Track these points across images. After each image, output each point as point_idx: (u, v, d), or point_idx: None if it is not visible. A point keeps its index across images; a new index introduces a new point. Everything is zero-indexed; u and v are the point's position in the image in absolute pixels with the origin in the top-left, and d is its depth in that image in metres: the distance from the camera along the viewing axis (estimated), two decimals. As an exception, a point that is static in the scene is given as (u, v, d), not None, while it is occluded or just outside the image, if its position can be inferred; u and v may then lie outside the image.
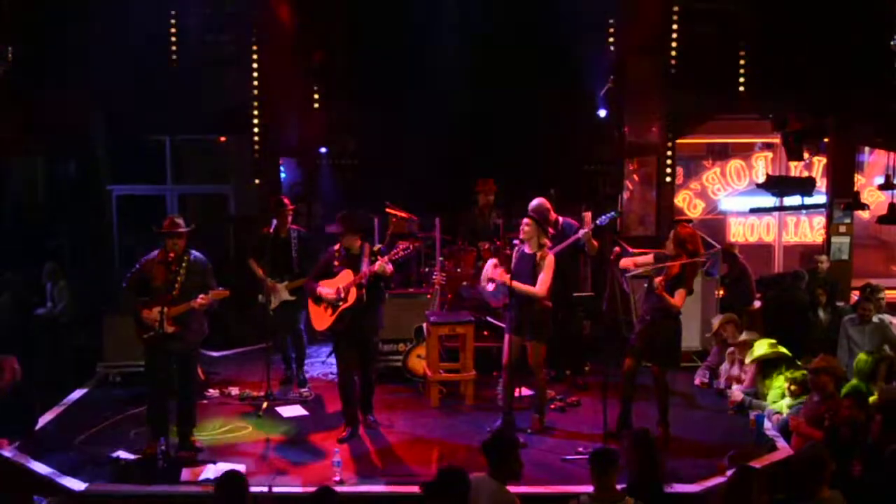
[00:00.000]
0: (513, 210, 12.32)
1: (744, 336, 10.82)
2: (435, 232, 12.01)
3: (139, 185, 14.39)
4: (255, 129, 13.42)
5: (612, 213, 9.88)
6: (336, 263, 9.28)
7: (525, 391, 10.03)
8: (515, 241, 9.64)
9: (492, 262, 9.76)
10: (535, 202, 10.63)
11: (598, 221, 10.13)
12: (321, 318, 9.34)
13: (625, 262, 9.35)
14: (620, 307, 9.18)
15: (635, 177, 15.07)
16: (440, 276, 11.65)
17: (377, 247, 9.42)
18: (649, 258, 9.25)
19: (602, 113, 13.77)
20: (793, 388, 9.49)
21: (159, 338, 8.74)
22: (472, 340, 10.52)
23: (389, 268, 9.09)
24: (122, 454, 8.89)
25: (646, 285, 9.20)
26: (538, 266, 9.27)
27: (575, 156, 14.41)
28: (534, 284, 9.22)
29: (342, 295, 9.14)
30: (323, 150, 14.28)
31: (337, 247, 9.34)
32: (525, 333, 9.36)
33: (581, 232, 10.38)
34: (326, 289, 9.23)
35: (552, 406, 10.26)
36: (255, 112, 13.57)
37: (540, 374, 9.55)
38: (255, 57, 13.04)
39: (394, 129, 13.49)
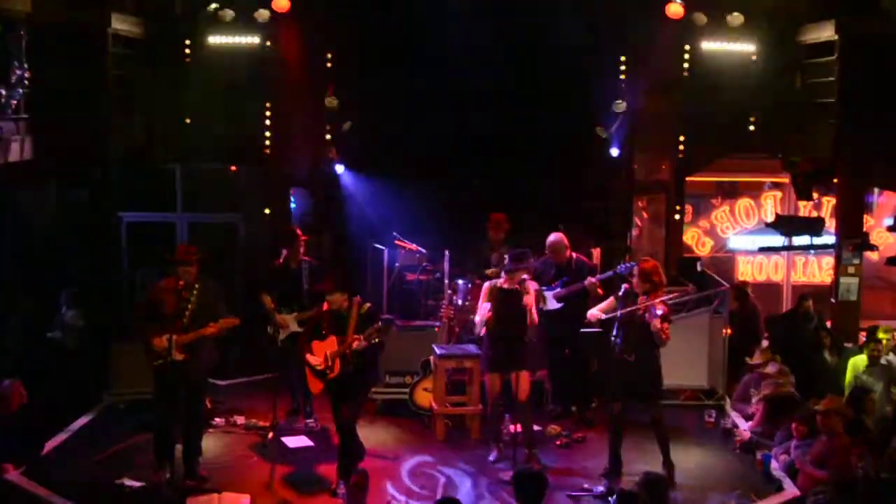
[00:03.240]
0: (521, 244, 12.38)
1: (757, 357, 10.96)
2: (443, 265, 12.05)
3: (149, 212, 14.49)
4: (267, 159, 13.51)
5: (633, 263, 9.93)
6: (325, 325, 9.03)
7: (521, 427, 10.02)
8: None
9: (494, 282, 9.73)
10: (552, 238, 10.75)
11: (617, 269, 10.20)
12: (314, 382, 9.16)
13: (592, 315, 9.37)
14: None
15: (644, 214, 15.12)
16: (448, 309, 11.68)
17: (366, 306, 9.06)
18: (610, 303, 9.31)
19: (615, 152, 13.85)
20: (800, 428, 9.50)
21: (168, 366, 8.78)
22: (479, 374, 10.51)
23: (365, 344, 8.73)
24: (128, 482, 8.94)
25: (616, 324, 9.15)
26: (521, 297, 9.41)
27: (585, 192, 14.46)
28: (527, 318, 9.36)
29: (329, 363, 8.92)
30: (340, 168, 14.26)
31: (326, 306, 9.06)
32: (513, 366, 9.44)
33: (587, 282, 10.46)
34: (315, 358, 8.98)
35: (558, 442, 10.30)
36: (267, 142, 13.66)
37: (528, 406, 9.62)
38: (267, 87, 13.14)
39: (405, 162, 13.55)
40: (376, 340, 8.71)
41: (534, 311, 9.40)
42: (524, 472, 6.70)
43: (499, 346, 9.47)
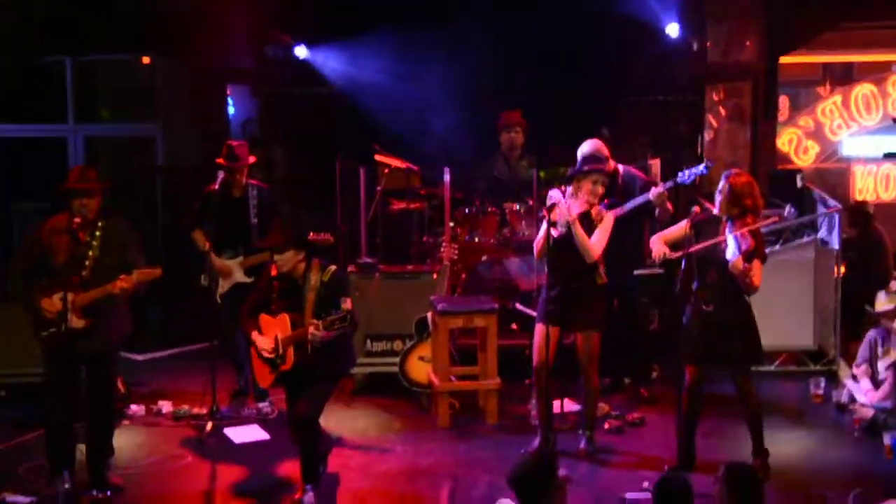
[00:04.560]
0: (548, 156, 12.41)
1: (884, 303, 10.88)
2: (443, 188, 12.06)
3: (28, 124, 14.46)
4: (191, 46, 13.45)
5: (703, 167, 9.90)
6: (274, 297, 8.96)
7: (569, 404, 10.13)
8: (553, 198, 9.69)
9: (556, 196, 9.65)
10: (586, 147, 10.71)
11: (678, 178, 10.17)
12: (262, 371, 9.12)
13: (656, 249, 9.29)
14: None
15: (721, 110, 15.09)
16: (450, 248, 11.69)
17: (330, 270, 8.90)
18: (681, 229, 9.27)
19: (674, 29, 13.79)
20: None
21: (63, 336, 8.72)
22: (496, 336, 10.60)
23: (325, 334, 8.52)
24: (10, 497, 8.93)
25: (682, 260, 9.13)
26: (594, 227, 9.45)
27: (635, 82, 14.45)
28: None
29: (280, 352, 8.82)
30: (303, 51, 14.22)
31: (274, 270, 8.93)
32: (572, 320, 9.50)
33: (653, 192, 10.41)
34: (262, 339, 8.90)
35: (606, 426, 10.38)
36: (190, 21, 13.59)
37: (592, 378, 9.69)
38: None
39: (387, 48, 13.53)
40: (337, 330, 8.54)
41: (583, 238, 9.43)
42: (524, 469, 6.72)
43: (559, 293, 9.50)
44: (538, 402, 9.78)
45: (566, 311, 9.46)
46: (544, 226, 9.53)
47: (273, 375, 8.96)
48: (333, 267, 8.96)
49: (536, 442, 9.73)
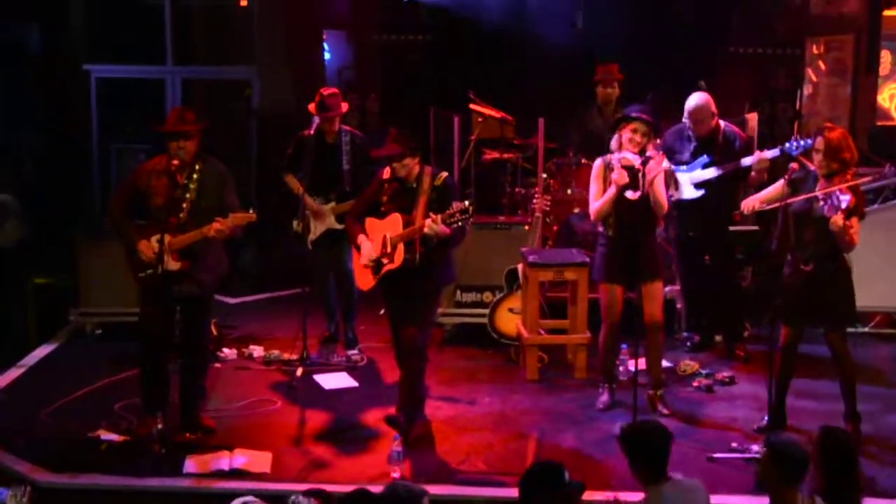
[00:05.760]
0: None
1: None
2: (537, 138, 12.04)
3: (129, 65, 14.57)
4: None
5: (809, 140, 9.73)
6: (384, 199, 9.04)
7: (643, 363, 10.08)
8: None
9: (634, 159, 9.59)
10: (696, 101, 10.63)
11: (787, 147, 10.07)
12: (363, 275, 9.21)
13: (747, 204, 9.27)
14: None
15: (821, 64, 14.92)
16: (542, 199, 11.67)
17: (442, 175, 9.02)
18: (777, 189, 9.15)
19: None
20: None
21: (159, 277, 8.84)
22: (587, 290, 10.57)
23: (443, 229, 8.59)
24: (105, 434, 9.08)
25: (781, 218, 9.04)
26: (639, 178, 9.34)
27: (734, 35, 14.31)
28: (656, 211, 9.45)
29: (388, 250, 8.90)
30: None
31: (386, 173, 9.06)
32: (641, 276, 9.42)
33: (753, 159, 10.35)
34: (367, 243, 9.00)
35: (696, 384, 10.35)
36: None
37: (659, 331, 9.66)
38: None
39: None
40: (459, 224, 8.61)
41: (662, 194, 9.41)
42: (636, 428, 6.71)
43: (621, 249, 9.46)
44: (606, 358, 9.84)
45: (632, 268, 9.37)
46: (612, 190, 9.40)
47: (376, 278, 9.03)
48: (445, 173, 9.05)
49: (606, 396, 9.81)
